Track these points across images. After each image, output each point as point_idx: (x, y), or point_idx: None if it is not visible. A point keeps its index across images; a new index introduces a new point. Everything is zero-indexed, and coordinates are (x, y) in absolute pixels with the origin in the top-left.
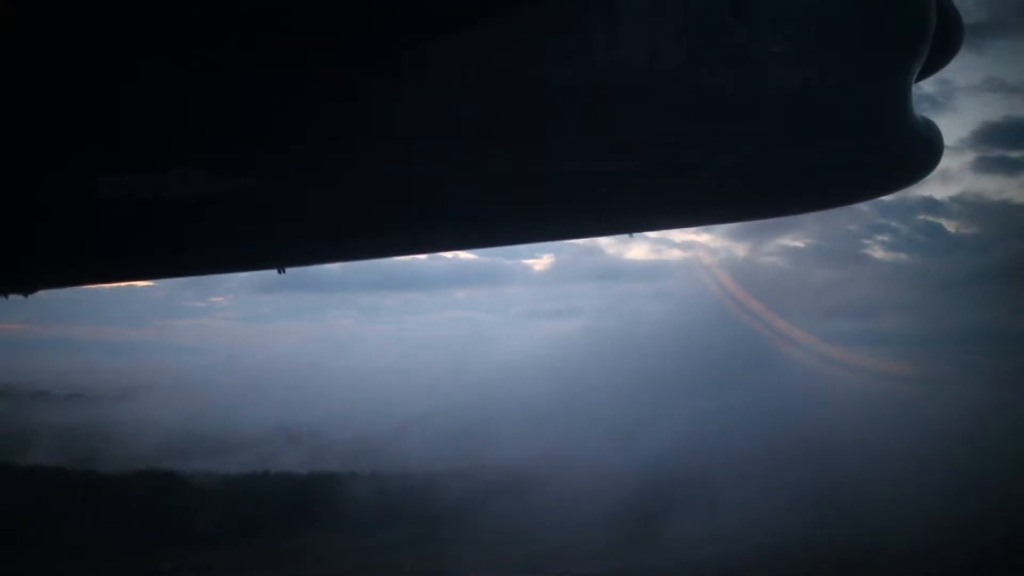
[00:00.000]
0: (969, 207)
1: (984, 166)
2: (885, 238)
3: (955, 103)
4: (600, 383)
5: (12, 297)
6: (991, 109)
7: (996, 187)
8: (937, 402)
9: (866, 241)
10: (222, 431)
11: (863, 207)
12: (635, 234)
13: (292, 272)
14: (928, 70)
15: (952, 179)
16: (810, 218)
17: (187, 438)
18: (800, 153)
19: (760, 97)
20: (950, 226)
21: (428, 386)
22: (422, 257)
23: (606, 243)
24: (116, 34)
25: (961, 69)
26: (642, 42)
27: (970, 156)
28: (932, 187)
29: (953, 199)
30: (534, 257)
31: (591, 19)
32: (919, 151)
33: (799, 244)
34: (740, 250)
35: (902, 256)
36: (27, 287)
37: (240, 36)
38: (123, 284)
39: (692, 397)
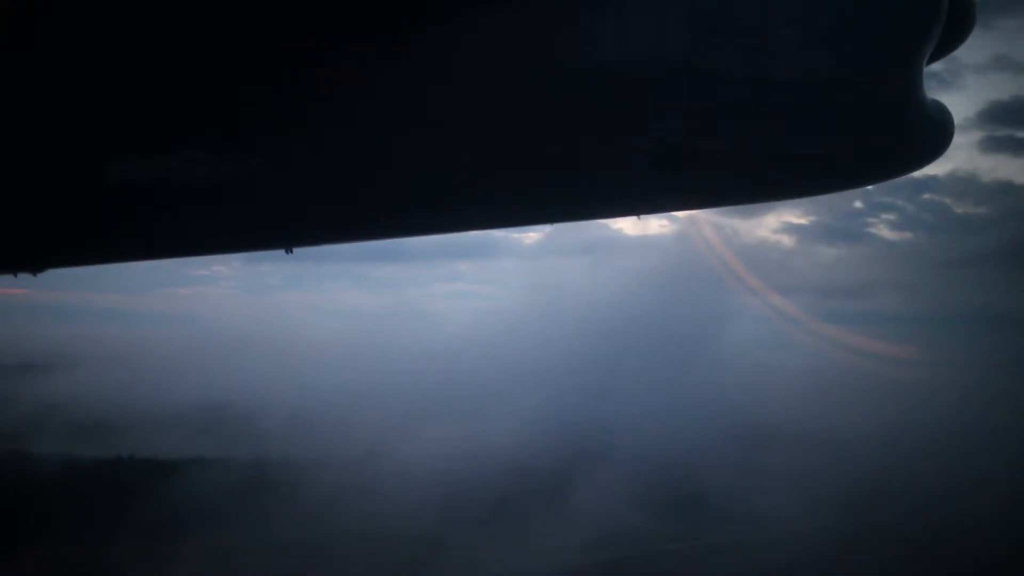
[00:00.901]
0: (975, 187)
1: (991, 145)
2: (891, 217)
3: (963, 81)
4: (564, 359)
5: (21, 275)
6: (999, 88)
7: (1003, 167)
8: (921, 385)
9: (871, 219)
10: (139, 408)
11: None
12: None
13: None
14: (940, 52)
15: (958, 158)
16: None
17: (88, 416)
18: (808, 136)
19: (769, 80)
20: (956, 206)
21: (393, 362)
22: None
23: None
24: (119, 17)
25: (969, 47)
26: (649, 26)
27: (977, 135)
28: (936, 166)
29: (958, 178)
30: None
31: (599, 5)
32: (929, 134)
33: (803, 221)
34: (744, 226)
35: (908, 235)
36: (35, 266)
37: (244, 19)
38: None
39: (649, 379)
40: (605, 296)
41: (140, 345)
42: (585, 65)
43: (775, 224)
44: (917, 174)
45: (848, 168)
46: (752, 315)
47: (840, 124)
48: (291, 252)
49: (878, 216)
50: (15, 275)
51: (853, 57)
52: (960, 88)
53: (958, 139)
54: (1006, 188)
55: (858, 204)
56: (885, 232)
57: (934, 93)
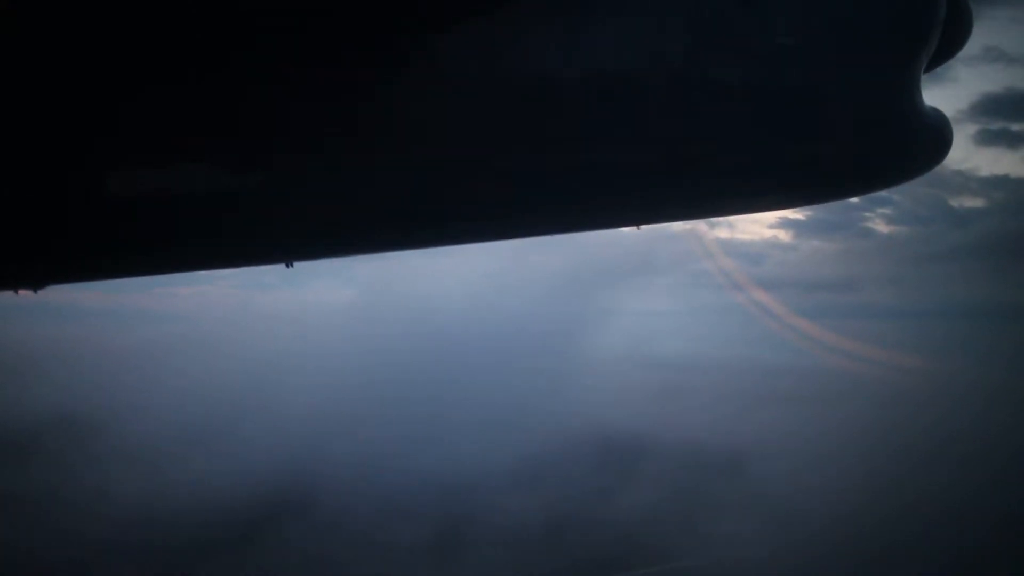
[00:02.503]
0: (970, 181)
1: (986, 138)
2: (887, 211)
3: (954, 74)
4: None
5: (22, 293)
6: (991, 80)
7: (998, 159)
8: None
9: (867, 214)
10: None
11: None
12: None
13: None
14: (937, 60)
15: (953, 152)
16: None
17: None
18: (809, 144)
19: (770, 89)
20: (952, 200)
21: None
22: None
23: None
24: (121, 31)
25: None
26: (651, 35)
27: (971, 129)
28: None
29: (953, 172)
30: None
31: (600, 12)
32: (929, 141)
33: (800, 216)
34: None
35: (904, 228)
36: (36, 283)
37: (244, 32)
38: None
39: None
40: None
41: (83, 346)
42: (591, 72)
43: (770, 218)
44: None
45: (848, 177)
46: (732, 310)
47: (840, 133)
48: (291, 266)
49: (874, 211)
50: (16, 292)
51: (852, 67)
52: (951, 80)
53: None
54: (1002, 181)
55: (853, 199)
56: (881, 226)
57: (925, 86)
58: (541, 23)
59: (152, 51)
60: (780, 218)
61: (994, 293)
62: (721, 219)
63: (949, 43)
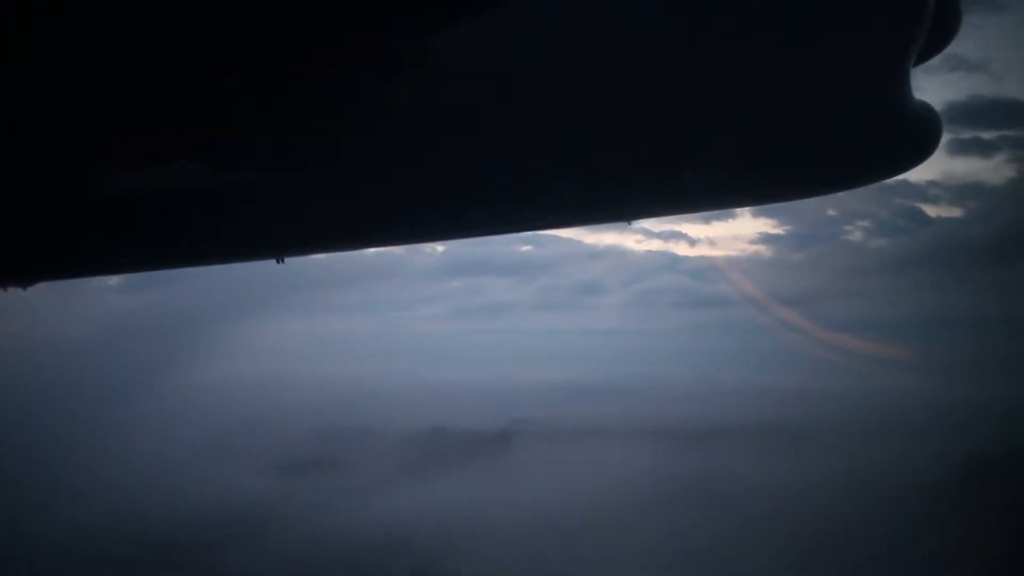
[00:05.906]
0: (946, 190)
1: (958, 148)
2: (866, 224)
3: (915, 83)
4: None
5: (11, 290)
6: (954, 88)
7: (973, 168)
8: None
9: (847, 227)
10: None
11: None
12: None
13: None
14: (926, 54)
15: (927, 163)
16: (791, 205)
17: None
18: (797, 138)
19: (756, 82)
20: (929, 210)
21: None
22: None
23: None
24: (113, 27)
25: None
26: (636, 28)
27: (943, 138)
28: (909, 172)
29: (929, 183)
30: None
31: (585, 7)
32: (918, 135)
33: (779, 231)
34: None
35: (883, 241)
36: (25, 279)
37: (239, 28)
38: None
39: None
40: None
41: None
42: (578, 65)
43: (750, 234)
44: (890, 180)
45: (838, 171)
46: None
47: (827, 127)
48: (282, 262)
49: (854, 223)
50: (5, 289)
51: (839, 60)
52: (914, 90)
53: None
54: (977, 190)
55: (831, 212)
56: (860, 239)
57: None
58: (530, 21)
59: (143, 45)
60: (760, 233)
61: (967, 300)
62: (702, 238)
63: (938, 35)
